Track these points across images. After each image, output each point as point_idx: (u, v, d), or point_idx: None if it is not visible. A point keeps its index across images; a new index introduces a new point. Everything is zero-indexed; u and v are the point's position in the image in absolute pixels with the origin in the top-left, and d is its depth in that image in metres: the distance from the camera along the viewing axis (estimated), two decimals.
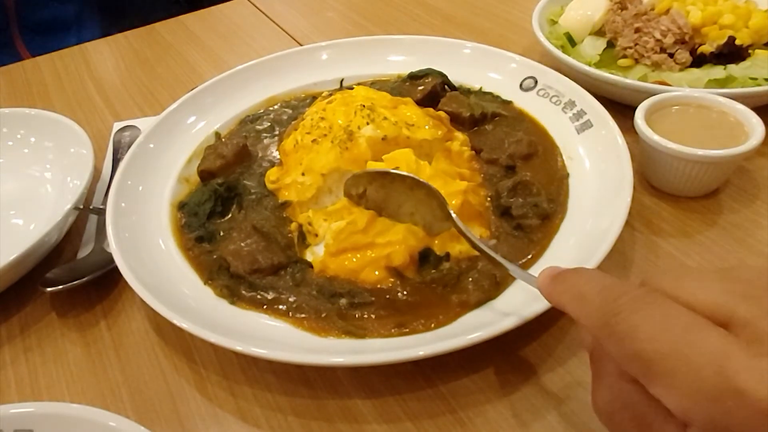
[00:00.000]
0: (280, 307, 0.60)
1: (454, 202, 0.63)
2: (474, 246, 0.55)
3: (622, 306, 0.34)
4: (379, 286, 0.61)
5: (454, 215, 0.57)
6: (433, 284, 0.60)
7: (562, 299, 0.40)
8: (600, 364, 0.39)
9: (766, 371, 0.28)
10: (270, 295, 0.61)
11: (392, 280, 0.61)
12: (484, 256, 0.55)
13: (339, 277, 0.62)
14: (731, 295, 0.32)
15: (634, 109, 0.72)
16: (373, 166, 0.66)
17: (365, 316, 0.59)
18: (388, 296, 0.60)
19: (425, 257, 0.62)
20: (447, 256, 0.62)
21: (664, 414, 0.33)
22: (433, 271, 0.61)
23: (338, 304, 0.60)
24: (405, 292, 0.60)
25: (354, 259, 0.62)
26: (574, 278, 0.40)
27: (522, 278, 0.51)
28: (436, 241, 0.63)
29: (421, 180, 0.60)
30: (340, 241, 0.63)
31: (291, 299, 0.61)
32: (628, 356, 0.32)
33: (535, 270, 0.60)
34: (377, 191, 0.63)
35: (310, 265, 0.64)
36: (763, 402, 0.27)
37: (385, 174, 0.62)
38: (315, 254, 0.66)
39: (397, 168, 0.64)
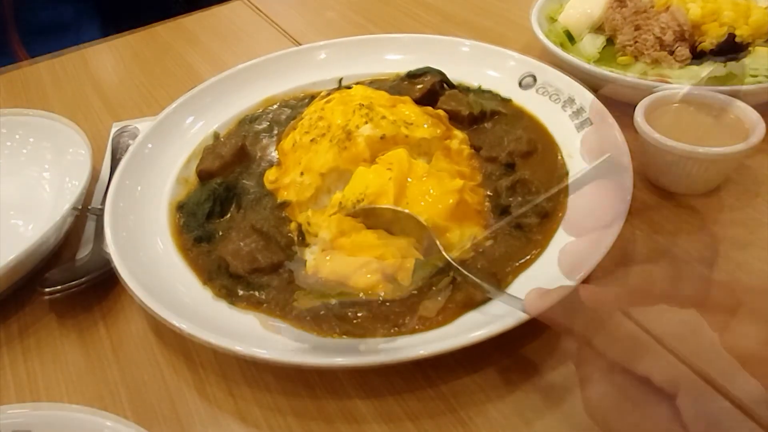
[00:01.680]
0: (276, 306, 0.60)
1: (450, 201, 0.63)
2: (459, 275, 0.56)
3: (610, 307, 0.41)
4: (371, 292, 0.60)
5: (440, 245, 0.59)
6: (431, 289, 0.59)
7: (553, 313, 0.45)
8: (588, 365, 0.43)
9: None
10: (266, 294, 0.61)
11: (389, 285, 0.60)
12: (469, 283, 0.56)
13: (330, 280, 0.61)
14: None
15: (633, 106, 0.72)
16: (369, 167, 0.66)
17: (361, 315, 0.58)
18: (381, 300, 0.59)
19: (419, 267, 0.60)
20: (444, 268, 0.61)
21: (656, 396, 0.38)
22: (428, 279, 0.60)
23: (328, 304, 0.59)
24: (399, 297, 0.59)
25: (346, 262, 0.61)
26: (560, 294, 0.45)
27: (506, 302, 0.53)
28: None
29: (407, 211, 0.61)
30: (338, 231, 0.62)
31: (285, 298, 0.60)
32: (619, 339, 0.40)
33: (531, 272, 0.61)
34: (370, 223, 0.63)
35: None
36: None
37: (370, 210, 0.62)
38: (314, 254, 0.65)
39: (390, 167, 0.64)
